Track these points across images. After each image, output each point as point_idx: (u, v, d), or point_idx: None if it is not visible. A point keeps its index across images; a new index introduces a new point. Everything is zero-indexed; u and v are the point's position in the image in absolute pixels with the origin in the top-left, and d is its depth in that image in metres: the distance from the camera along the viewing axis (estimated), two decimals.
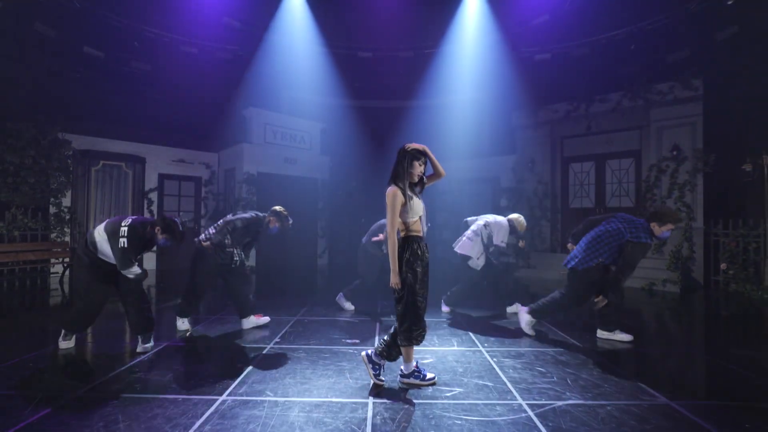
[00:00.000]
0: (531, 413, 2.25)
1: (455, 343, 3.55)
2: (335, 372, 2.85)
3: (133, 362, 3.00)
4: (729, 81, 7.59)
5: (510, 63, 10.17)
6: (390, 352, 2.62)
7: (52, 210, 7.01)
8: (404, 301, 2.49)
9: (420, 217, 2.58)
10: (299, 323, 4.20)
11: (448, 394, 2.50)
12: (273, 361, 3.04)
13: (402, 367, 2.66)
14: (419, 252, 2.51)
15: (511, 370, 2.91)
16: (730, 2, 7.55)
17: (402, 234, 2.54)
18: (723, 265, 6.38)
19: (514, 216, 4.77)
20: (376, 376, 2.63)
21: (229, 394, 2.45)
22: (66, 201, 7.18)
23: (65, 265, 6.71)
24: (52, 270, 6.91)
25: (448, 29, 10.21)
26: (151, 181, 8.30)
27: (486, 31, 9.91)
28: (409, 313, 2.49)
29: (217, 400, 2.37)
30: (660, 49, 8.53)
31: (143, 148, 8.23)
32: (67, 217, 7.15)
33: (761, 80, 7.19)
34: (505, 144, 9.64)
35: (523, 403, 2.38)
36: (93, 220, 7.56)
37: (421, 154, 2.59)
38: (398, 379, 2.67)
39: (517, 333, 3.92)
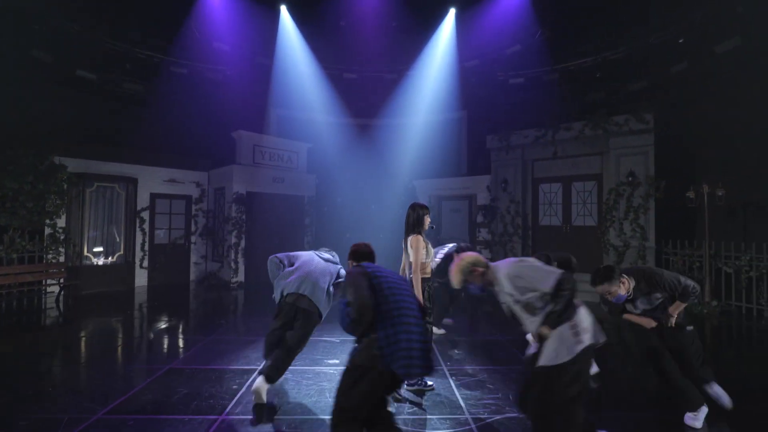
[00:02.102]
0: (474, 426, 2.80)
1: None
2: (316, 392, 3.35)
3: (144, 384, 3.44)
4: (681, 112, 8.37)
5: (487, 86, 10.86)
6: None
7: (47, 231, 7.32)
8: None
9: (432, 259, 3.44)
10: None
11: (409, 410, 3.03)
12: None
13: None
14: (429, 292, 3.37)
15: (465, 387, 3.46)
16: (681, 41, 8.34)
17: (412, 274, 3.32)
18: None
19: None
20: (410, 385, 3.22)
21: (227, 414, 2.93)
22: (61, 222, 7.49)
23: (61, 285, 7.03)
24: (48, 290, 7.21)
25: (429, 54, 10.83)
26: (143, 201, 8.65)
27: (464, 59, 10.57)
28: None
29: (217, 420, 2.85)
30: (622, 78, 9.29)
31: (136, 169, 8.57)
32: (62, 237, 7.46)
33: (705, 115, 7.97)
34: (481, 164, 10.27)
35: (470, 417, 2.93)
36: (86, 240, 7.88)
37: (428, 210, 3.43)
38: (404, 387, 3.25)
39: (478, 352, 4.47)
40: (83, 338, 4.95)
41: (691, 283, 2.82)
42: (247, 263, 8.84)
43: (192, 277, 9.44)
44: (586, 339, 2.11)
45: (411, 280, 3.30)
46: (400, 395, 3.19)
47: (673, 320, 2.86)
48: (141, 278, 8.63)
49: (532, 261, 2.38)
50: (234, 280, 8.59)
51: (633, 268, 3.04)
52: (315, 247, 10.39)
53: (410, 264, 3.34)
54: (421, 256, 3.25)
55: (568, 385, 2.02)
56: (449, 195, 10.66)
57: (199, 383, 3.50)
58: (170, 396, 3.22)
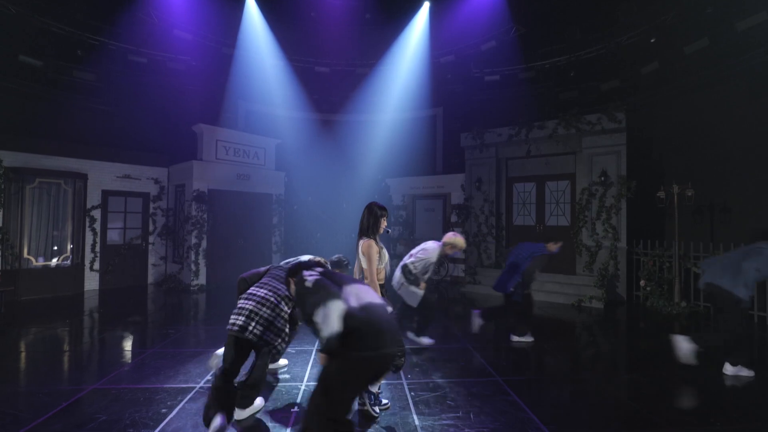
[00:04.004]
0: None
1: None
2: (261, 413, 2.99)
3: (56, 410, 2.99)
4: (651, 113, 8.36)
5: (463, 83, 10.65)
6: None
7: None
8: None
9: (385, 264, 3.10)
10: None
11: None
12: (198, 404, 3.12)
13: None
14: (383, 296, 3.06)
15: (423, 405, 3.17)
16: (653, 41, 8.32)
17: (366, 281, 2.95)
18: (642, 282, 7.03)
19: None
20: (371, 405, 2.90)
21: None
22: None
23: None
24: None
25: (403, 48, 10.52)
26: (94, 198, 8.01)
27: (439, 54, 10.31)
28: None
29: None
30: (595, 78, 9.24)
31: (85, 163, 7.93)
32: None
33: (674, 116, 7.98)
34: (456, 163, 10.05)
35: None
36: (28, 241, 7.22)
37: (386, 211, 3.08)
38: (356, 406, 2.96)
39: (442, 362, 4.20)
40: None
41: None
42: (209, 265, 8.33)
43: (150, 279, 8.85)
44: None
45: None
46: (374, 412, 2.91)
47: None
48: (92, 282, 8.01)
49: None
50: (194, 283, 8.08)
51: None
52: (283, 248, 10.03)
53: (363, 270, 3.03)
54: (375, 263, 2.94)
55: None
56: (423, 194, 10.41)
57: (122, 407, 3.08)
58: (83, 425, 2.79)
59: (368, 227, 3.04)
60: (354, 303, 1.91)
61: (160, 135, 9.38)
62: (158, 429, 2.76)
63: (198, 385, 3.49)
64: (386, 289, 3.14)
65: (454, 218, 9.62)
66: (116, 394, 3.34)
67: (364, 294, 2.01)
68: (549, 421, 2.89)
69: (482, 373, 3.86)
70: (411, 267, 4.37)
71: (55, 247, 7.54)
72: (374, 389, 2.94)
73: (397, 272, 4.47)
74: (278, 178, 9.75)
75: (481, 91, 10.49)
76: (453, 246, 4.44)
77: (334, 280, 2.08)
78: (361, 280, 3.18)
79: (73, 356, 4.38)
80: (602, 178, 7.50)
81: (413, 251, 4.52)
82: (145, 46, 9.43)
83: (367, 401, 2.93)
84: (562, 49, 9.52)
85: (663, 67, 8.11)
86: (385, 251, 3.10)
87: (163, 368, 3.92)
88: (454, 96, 10.87)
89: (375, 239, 3.02)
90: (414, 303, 4.40)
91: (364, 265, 2.99)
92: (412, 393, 3.39)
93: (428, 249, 4.44)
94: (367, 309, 1.90)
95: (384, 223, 3.10)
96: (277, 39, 10.33)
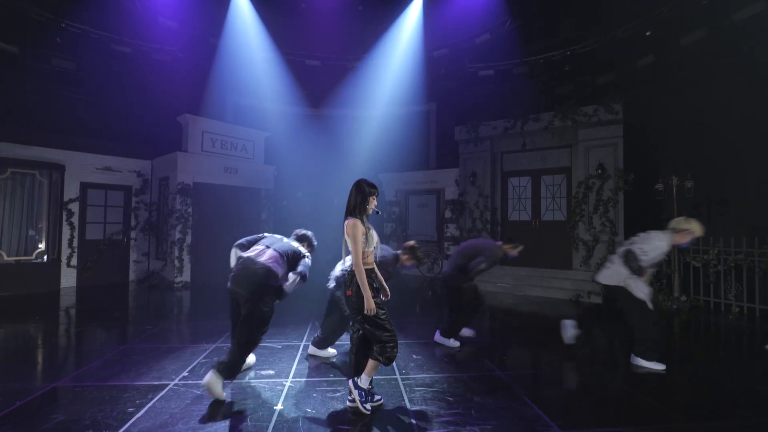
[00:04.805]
0: None
1: None
2: (236, 413, 2.70)
3: (9, 410, 2.67)
4: (647, 105, 8.24)
5: (456, 77, 10.46)
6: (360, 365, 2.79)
7: None
8: (370, 324, 2.64)
9: (374, 248, 2.78)
10: (216, 352, 3.97)
11: None
12: (170, 403, 2.83)
13: (360, 380, 2.69)
14: (373, 285, 2.71)
15: (420, 401, 2.90)
16: (648, 33, 8.22)
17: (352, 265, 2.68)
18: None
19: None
20: (362, 402, 2.66)
21: None
22: None
23: None
24: None
25: (396, 41, 10.31)
26: (71, 191, 7.62)
27: (432, 47, 10.12)
28: (378, 332, 2.63)
29: None
30: (590, 72, 9.12)
31: (62, 154, 7.55)
32: None
33: (673, 106, 7.87)
34: (449, 157, 9.85)
35: None
36: (1, 234, 6.81)
37: (376, 190, 2.81)
38: (347, 403, 2.75)
39: (438, 356, 3.94)
40: None
41: None
42: (194, 261, 7.98)
43: (132, 276, 8.46)
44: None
45: (350, 272, 2.71)
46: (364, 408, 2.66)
47: None
48: (69, 278, 7.60)
49: None
50: (178, 279, 7.72)
51: None
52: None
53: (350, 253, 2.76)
54: (360, 243, 2.66)
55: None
56: (417, 189, 10.18)
57: (84, 406, 2.76)
58: (35, 427, 2.47)
59: (355, 206, 2.74)
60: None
61: (143, 127, 9.02)
62: (122, 430, 2.45)
63: (172, 383, 3.19)
64: (377, 274, 2.85)
65: (448, 214, 9.41)
66: (79, 392, 3.02)
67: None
68: (557, 417, 2.65)
69: (481, 368, 3.62)
70: (638, 252, 3.64)
71: (29, 242, 7.13)
72: (365, 385, 2.67)
73: (615, 259, 3.84)
74: (267, 172, 9.44)
75: (475, 86, 10.31)
76: (691, 233, 3.71)
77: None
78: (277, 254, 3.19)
79: (37, 353, 4.03)
80: (599, 171, 7.34)
81: (634, 239, 3.90)
82: (129, 35, 9.07)
83: (357, 397, 2.66)
84: (556, 44, 9.39)
85: (659, 59, 8.01)
86: (373, 232, 2.80)
87: (136, 365, 3.60)
88: (448, 91, 10.68)
89: (362, 219, 2.73)
90: (645, 297, 3.64)
91: (350, 247, 2.71)
92: (407, 388, 3.13)
93: (657, 236, 3.74)
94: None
95: (373, 203, 2.81)
96: (267, 30, 10.05)
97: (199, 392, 3.00)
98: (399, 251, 3.95)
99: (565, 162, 8.06)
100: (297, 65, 10.53)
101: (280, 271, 3.15)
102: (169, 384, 3.17)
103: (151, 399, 2.90)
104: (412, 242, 3.94)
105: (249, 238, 3.57)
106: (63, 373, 3.41)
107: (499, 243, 4.32)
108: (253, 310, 2.97)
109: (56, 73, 8.45)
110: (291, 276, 3.27)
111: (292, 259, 3.31)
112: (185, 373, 3.39)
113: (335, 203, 9.96)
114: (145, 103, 9.24)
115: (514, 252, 4.26)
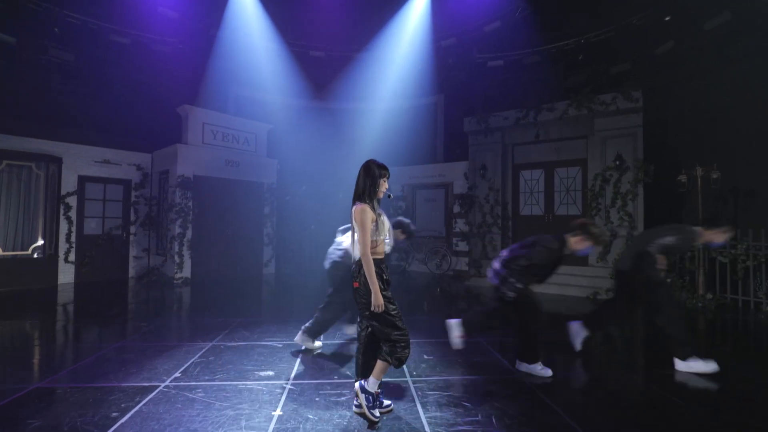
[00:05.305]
0: None
1: None
2: (230, 419, 2.43)
3: None
4: (667, 94, 7.86)
5: (464, 68, 10.12)
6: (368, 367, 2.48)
7: None
8: (379, 321, 2.35)
9: (385, 236, 2.47)
10: (213, 351, 3.70)
11: None
12: (158, 407, 2.56)
13: (367, 383, 2.39)
14: (383, 276, 2.39)
15: (434, 407, 2.61)
16: (667, 18, 7.83)
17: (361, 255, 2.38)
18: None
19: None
20: (370, 408, 2.35)
21: None
22: None
23: None
24: None
25: (403, 30, 10.00)
26: (69, 184, 7.42)
27: (440, 37, 9.79)
28: (387, 330, 2.34)
29: None
30: (605, 61, 8.73)
31: (60, 146, 7.34)
32: None
33: (695, 94, 7.48)
34: (458, 149, 9.53)
35: None
36: None
37: (387, 171, 2.50)
38: (353, 408, 2.45)
39: (452, 358, 3.64)
40: None
41: None
42: (194, 257, 7.74)
43: (132, 273, 8.25)
44: None
45: (359, 263, 2.42)
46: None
47: None
48: (66, 274, 7.40)
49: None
50: (178, 276, 7.49)
51: None
52: (276, 239, 9.46)
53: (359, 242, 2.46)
54: (370, 232, 2.36)
55: None
56: (424, 183, 9.88)
57: (64, 410, 2.50)
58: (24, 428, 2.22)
59: (364, 190, 2.43)
60: None
61: (143, 119, 8.79)
62: (116, 426, 2.19)
63: (163, 384, 2.92)
64: (386, 265, 2.56)
65: (456, 208, 9.09)
66: (62, 394, 2.76)
67: None
68: (589, 428, 2.35)
69: (500, 370, 3.31)
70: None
71: (26, 237, 6.93)
72: (373, 389, 2.39)
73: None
74: (270, 165, 9.18)
75: (483, 77, 9.97)
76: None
77: None
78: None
79: (24, 351, 3.79)
80: (617, 163, 6.99)
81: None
82: (129, 25, 8.84)
83: (364, 403, 2.37)
84: (570, 33, 9.02)
85: (679, 46, 7.62)
86: (385, 219, 2.51)
87: (127, 364, 3.34)
88: (456, 83, 10.34)
89: (372, 204, 2.42)
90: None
91: (358, 235, 2.42)
92: (420, 393, 2.84)
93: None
94: None
95: (384, 185, 2.50)
96: (270, 20, 9.77)
97: (191, 395, 2.74)
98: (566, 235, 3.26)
99: (580, 153, 7.71)
100: (301, 57, 10.25)
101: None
102: (159, 386, 2.90)
103: (138, 402, 2.63)
104: (583, 220, 3.34)
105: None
106: (48, 372, 3.17)
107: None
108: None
109: (54, 64, 8.24)
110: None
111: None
112: (177, 374, 3.12)
113: (340, 198, 9.68)
114: (146, 95, 9.01)
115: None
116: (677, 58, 7.77)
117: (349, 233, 3.62)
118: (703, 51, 7.39)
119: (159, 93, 9.10)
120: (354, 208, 2.43)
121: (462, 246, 9.00)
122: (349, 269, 3.35)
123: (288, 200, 9.49)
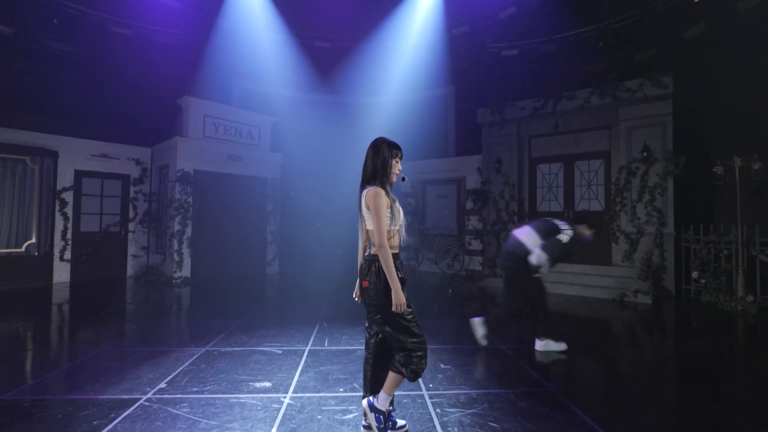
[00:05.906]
0: None
1: None
2: None
3: None
4: (697, 80, 7.33)
5: (477, 58, 9.67)
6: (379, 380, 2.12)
7: None
8: (393, 327, 1.97)
9: (400, 226, 2.08)
10: (205, 357, 3.33)
11: None
12: (135, 425, 2.19)
13: (377, 400, 2.04)
14: (398, 274, 2.00)
15: (456, 427, 2.20)
16: (696, 0, 7.30)
17: (374, 249, 1.98)
18: (695, 274, 6.01)
19: None
20: (381, 430, 2.00)
21: None
22: None
23: None
24: None
25: (413, 19, 9.57)
26: (65, 179, 7.13)
27: (452, 25, 9.35)
28: (402, 337, 1.97)
29: None
30: (628, 47, 8.22)
31: (55, 139, 7.06)
32: None
33: (729, 79, 6.94)
34: (471, 143, 9.08)
35: None
36: None
37: (399, 150, 2.16)
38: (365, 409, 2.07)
39: (471, 368, 3.22)
40: None
41: None
42: (194, 255, 7.41)
43: (130, 272, 7.94)
44: None
45: (369, 258, 2.03)
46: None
47: None
48: (62, 273, 7.11)
49: None
50: (177, 275, 7.16)
51: None
52: (279, 236, 9.10)
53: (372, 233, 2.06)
54: (384, 218, 1.95)
55: None
56: (435, 179, 9.44)
57: (27, 427, 2.14)
58: None
59: (374, 172, 2.04)
60: None
61: (143, 113, 8.48)
62: None
63: (144, 397, 2.55)
64: (401, 261, 2.15)
65: (469, 205, 8.64)
66: (28, 408, 2.40)
67: None
68: None
69: (528, 382, 2.89)
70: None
71: (19, 233, 6.65)
72: (384, 406, 1.99)
73: None
74: (274, 160, 8.83)
75: (497, 67, 9.49)
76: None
77: None
78: None
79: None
80: (644, 154, 6.49)
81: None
82: (130, 16, 8.55)
83: (374, 423, 1.97)
84: (589, 18, 8.51)
85: (711, 28, 7.09)
86: (399, 207, 2.10)
87: (108, 372, 2.98)
88: (469, 73, 9.89)
89: (386, 189, 2.03)
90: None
91: (369, 224, 2.01)
92: (438, 410, 2.42)
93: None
94: None
95: (397, 167, 2.11)
96: (274, 10, 9.42)
97: (174, 411, 2.36)
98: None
99: (602, 145, 7.22)
100: (306, 47, 9.88)
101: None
102: (140, 399, 2.53)
103: (114, 419, 2.27)
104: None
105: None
106: (17, 382, 2.81)
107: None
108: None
109: (52, 56, 7.98)
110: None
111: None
112: (163, 384, 2.75)
113: (346, 194, 9.28)
114: (146, 87, 8.70)
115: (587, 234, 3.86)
116: (708, 42, 7.24)
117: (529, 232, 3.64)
118: (736, 33, 6.86)
119: (160, 85, 8.79)
120: (365, 191, 2.03)
121: (475, 244, 8.56)
122: (521, 260, 3.50)
123: (292, 196, 9.12)
